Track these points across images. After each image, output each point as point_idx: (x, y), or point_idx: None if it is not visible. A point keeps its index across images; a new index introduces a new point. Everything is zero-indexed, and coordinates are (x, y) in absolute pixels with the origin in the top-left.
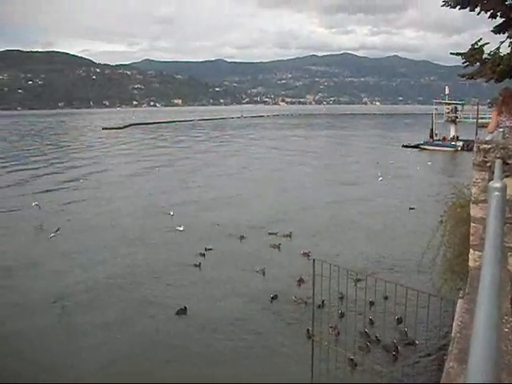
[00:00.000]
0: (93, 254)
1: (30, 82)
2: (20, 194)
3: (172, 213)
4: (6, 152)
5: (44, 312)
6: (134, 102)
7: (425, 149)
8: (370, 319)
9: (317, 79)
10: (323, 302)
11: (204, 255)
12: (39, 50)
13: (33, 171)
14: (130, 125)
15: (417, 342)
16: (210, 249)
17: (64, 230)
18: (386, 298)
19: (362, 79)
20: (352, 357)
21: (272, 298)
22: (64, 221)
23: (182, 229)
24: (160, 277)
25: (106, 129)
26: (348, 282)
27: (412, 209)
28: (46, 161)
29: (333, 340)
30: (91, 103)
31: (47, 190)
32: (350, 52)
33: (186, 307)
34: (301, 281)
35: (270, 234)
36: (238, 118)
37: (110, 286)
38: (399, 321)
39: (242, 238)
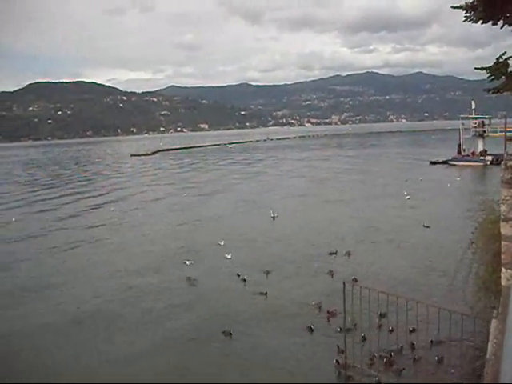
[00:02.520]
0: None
1: (59, 112)
2: (55, 220)
3: (222, 242)
4: (35, 182)
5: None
6: (161, 128)
7: (453, 164)
8: (401, 344)
9: (341, 99)
10: (355, 324)
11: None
12: (68, 80)
13: (64, 198)
14: (158, 151)
15: (452, 364)
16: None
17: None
18: (418, 319)
19: (387, 97)
20: (384, 382)
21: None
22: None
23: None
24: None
25: (134, 155)
26: (379, 303)
27: (427, 226)
28: (75, 190)
29: (366, 363)
30: (119, 131)
31: (75, 215)
32: (373, 71)
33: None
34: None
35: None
36: (265, 140)
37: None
38: (432, 343)
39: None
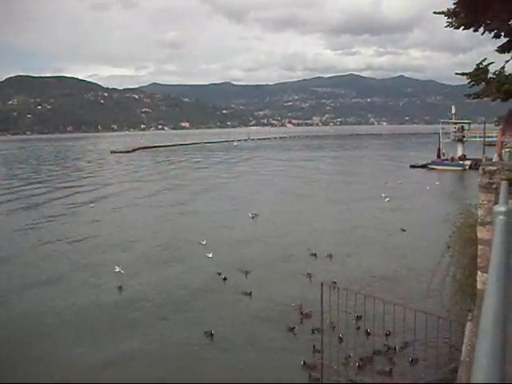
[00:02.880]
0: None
1: (39, 107)
2: (32, 218)
3: (204, 242)
4: (13, 178)
5: None
6: (142, 126)
7: (433, 168)
8: (377, 345)
9: (323, 100)
10: (333, 326)
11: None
12: (49, 75)
13: (43, 195)
14: (139, 148)
15: (427, 365)
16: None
17: None
18: (395, 321)
19: (369, 100)
20: (359, 382)
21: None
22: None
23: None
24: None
25: (115, 152)
26: (356, 305)
27: (404, 230)
28: (54, 185)
29: (341, 363)
30: (99, 127)
31: (59, 215)
32: (355, 73)
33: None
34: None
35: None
36: (245, 140)
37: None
38: (408, 344)
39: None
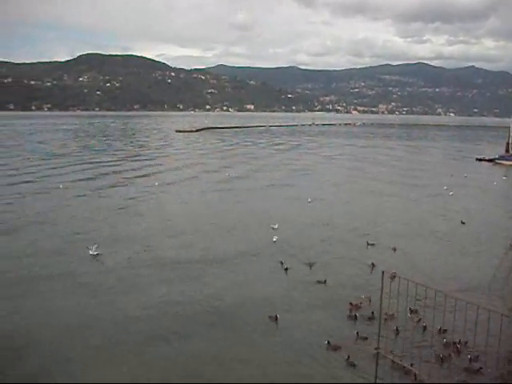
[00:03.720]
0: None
1: (108, 84)
2: (98, 188)
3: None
4: (83, 151)
5: None
6: (207, 106)
7: (500, 163)
8: (435, 339)
9: (390, 88)
10: (392, 315)
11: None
12: (118, 53)
13: (111, 168)
14: (203, 128)
15: (487, 365)
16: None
17: None
18: (455, 315)
19: (437, 90)
20: (416, 372)
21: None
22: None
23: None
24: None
25: (180, 131)
26: (417, 296)
27: (464, 222)
28: (121, 162)
29: (398, 354)
30: (165, 106)
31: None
32: (425, 62)
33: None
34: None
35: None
36: (310, 125)
37: None
38: (466, 340)
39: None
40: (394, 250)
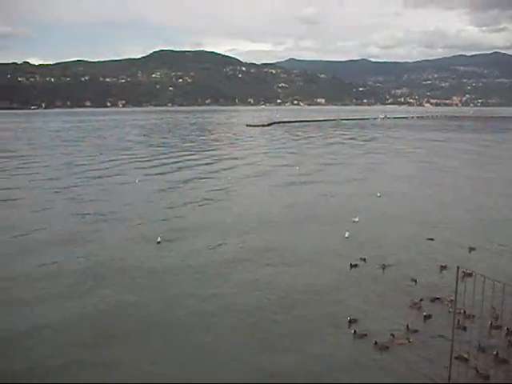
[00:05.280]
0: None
1: (180, 80)
2: (179, 181)
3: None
4: (162, 145)
5: None
6: (278, 101)
7: None
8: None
9: (464, 80)
10: (467, 314)
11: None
12: (189, 49)
13: (189, 161)
14: (274, 122)
15: None
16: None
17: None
18: None
19: None
20: (491, 373)
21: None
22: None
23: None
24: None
25: (250, 126)
26: (494, 293)
27: None
28: (195, 156)
29: (473, 355)
30: (236, 100)
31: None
32: (501, 51)
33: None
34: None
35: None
36: (382, 118)
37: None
38: None
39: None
40: (470, 248)
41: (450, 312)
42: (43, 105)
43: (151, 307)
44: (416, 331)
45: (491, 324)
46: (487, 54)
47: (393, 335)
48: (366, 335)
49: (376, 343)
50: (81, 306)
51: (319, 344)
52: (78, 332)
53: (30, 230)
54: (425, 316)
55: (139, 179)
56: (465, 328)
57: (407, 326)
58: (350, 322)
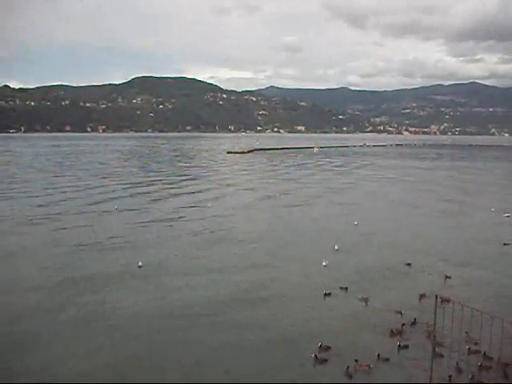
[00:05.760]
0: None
1: (161, 106)
2: (159, 210)
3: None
4: (141, 171)
5: None
6: (259, 128)
7: None
8: (491, 365)
9: (442, 109)
10: (444, 341)
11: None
12: (170, 75)
13: (166, 190)
14: (254, 150)
15: None
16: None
17: None
18: None
19: (491, 109)
20: None
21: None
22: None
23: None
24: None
25: (231, 153)
26: (472, 321)
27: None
28: (175, 181)
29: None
30: (217, 127)
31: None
32: (478, 81)
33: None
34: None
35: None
36: (361, 146)
37: None
38: None
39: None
40: (446, 276)
41: (427, 338)
42: (22, 129)
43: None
44: (387, 359)
45: (469, 349)
46: (464, 84)
47: (356, 361)
48: (326, 360)
49: (340, 369)
50: None
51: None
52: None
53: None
54: (399, 346)
55: (117, 207)
56: (442, 355)
57: (378, 354)
58: (320, 347)
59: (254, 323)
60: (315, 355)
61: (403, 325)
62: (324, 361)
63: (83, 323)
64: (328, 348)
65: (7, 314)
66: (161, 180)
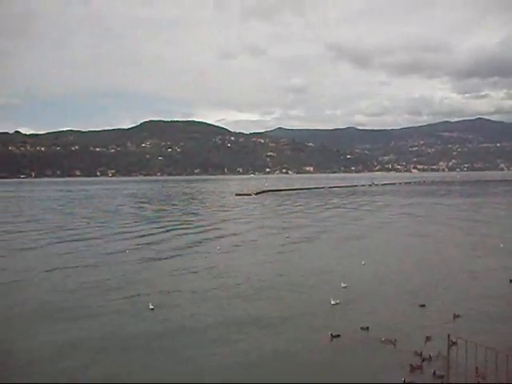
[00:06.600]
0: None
1: (170, 150)
2: (172, 255)
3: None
4: (150, 215)
5: None
6: (267, 169)
7: None
8: None
9: (450, 145)
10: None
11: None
12: (179, 119)
13: (176, 231)
14: (263, 191)
15: None
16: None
17: None
18: None
19: (498, 145)
20: None
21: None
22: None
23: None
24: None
25: (239, 195)
26: (488, 360)
27: None
28: (183, 226)
29: None
30: (225, 170)
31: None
32: (484, 117)
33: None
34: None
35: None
36: (370, 185)
37: None
38: None
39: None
40: (455, 315)
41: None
42: (33, 174)
43: None
44: None
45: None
46: (471, 120)
47: None
48: None
49: None
50: None
51: None
52: None
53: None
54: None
55: (129, 250)
56: None
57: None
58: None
59: None
60: None
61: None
62: None
63: None
64: None
65: None
66: (172, 226)
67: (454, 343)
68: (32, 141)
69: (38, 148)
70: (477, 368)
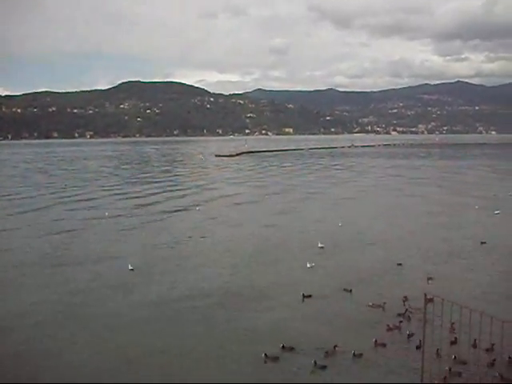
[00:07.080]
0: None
1: (148, 111)
2: (145, 215)
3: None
4: (130, 176)
5: None
6: (247, 131)
7: None
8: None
9: (429, 108)
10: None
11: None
12: (158, 80)
13: (155, 195)
14: (242, 153)
15: None
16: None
17: None
18: (505, 339)
19: (477, 108)
20: None
21: None
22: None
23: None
24: None
25: (219, 156)
26: (462, 319)
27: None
28: (161, 187)
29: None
30: (205, 131)
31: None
32: (464, 80)
33: None
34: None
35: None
36: (349, 147)
37: None
38: None
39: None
40: (429, 278)
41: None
42: (9, 136)
43: None
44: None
45: (459, 349)
46: (451, 83)
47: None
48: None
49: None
50: None
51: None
52: None
53: None
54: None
55: (108, 213)
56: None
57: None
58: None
59: None
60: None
61: (401, 322)
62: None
63: None
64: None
65: None
66: (152, 188)
67: (431, 300)
68: (8, 102)
69: (14, 109)
70: (452, 324)
